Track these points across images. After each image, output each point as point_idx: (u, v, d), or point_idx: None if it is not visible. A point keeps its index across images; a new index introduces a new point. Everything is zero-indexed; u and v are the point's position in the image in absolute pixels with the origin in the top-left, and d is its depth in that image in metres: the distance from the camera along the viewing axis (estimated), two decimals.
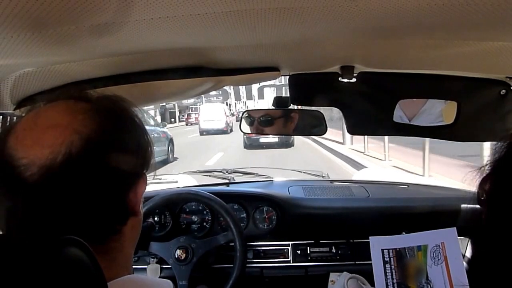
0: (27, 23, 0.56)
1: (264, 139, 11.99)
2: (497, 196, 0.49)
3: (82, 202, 0.50)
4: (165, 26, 0.64)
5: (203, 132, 19.97)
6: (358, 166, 8.14)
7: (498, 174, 0.50)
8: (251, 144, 12.56)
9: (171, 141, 10.47)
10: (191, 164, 9.03)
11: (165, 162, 9.64)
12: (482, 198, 0.52)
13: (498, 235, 0.49)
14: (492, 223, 0.50)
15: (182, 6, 0.56)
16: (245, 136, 12.14)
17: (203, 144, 14.98)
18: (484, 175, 0.51)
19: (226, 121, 20.77)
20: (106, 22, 0.60)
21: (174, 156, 10.70)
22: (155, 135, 9.40)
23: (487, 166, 0.51)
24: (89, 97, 0.57)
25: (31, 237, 0.40)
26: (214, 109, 21.17)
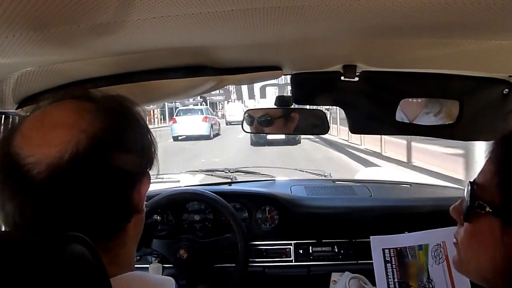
0: (29, 23, 0.56)
1: (270, 137, 12.27)
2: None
3: (88, 200, 0.50)
4: (166, 25, 0.64)
5: (227, 123, 26.81)
6: None
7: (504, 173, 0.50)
8: (257, 141, 12.83)
9: (219, 123, 19.75)
10: (229, 136, 16.34)
11: (218, 134, 17.97)
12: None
13: None
14: None
15: (183, 5, 0.55)
16: (252, 134, 12.43)
17: (233, 129, 21.12)
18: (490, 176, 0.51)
19: None
20: (108, 21, 0.60)
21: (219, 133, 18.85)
22: (214, 121, 17.95)
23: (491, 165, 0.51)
24: (93, 97, 0.57)
25: (35, 234, 0.41)
26: (236, 107, 28.65)
